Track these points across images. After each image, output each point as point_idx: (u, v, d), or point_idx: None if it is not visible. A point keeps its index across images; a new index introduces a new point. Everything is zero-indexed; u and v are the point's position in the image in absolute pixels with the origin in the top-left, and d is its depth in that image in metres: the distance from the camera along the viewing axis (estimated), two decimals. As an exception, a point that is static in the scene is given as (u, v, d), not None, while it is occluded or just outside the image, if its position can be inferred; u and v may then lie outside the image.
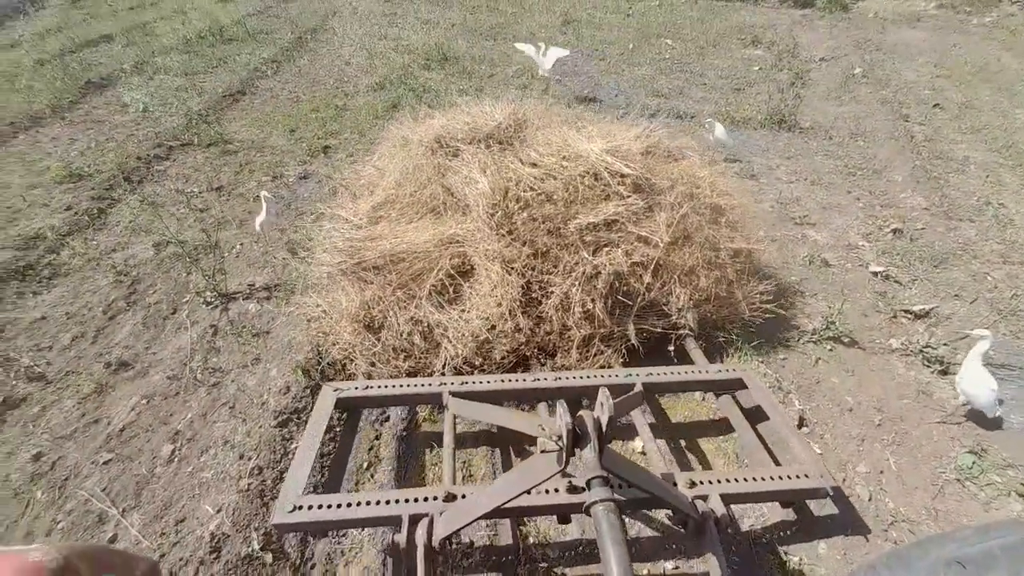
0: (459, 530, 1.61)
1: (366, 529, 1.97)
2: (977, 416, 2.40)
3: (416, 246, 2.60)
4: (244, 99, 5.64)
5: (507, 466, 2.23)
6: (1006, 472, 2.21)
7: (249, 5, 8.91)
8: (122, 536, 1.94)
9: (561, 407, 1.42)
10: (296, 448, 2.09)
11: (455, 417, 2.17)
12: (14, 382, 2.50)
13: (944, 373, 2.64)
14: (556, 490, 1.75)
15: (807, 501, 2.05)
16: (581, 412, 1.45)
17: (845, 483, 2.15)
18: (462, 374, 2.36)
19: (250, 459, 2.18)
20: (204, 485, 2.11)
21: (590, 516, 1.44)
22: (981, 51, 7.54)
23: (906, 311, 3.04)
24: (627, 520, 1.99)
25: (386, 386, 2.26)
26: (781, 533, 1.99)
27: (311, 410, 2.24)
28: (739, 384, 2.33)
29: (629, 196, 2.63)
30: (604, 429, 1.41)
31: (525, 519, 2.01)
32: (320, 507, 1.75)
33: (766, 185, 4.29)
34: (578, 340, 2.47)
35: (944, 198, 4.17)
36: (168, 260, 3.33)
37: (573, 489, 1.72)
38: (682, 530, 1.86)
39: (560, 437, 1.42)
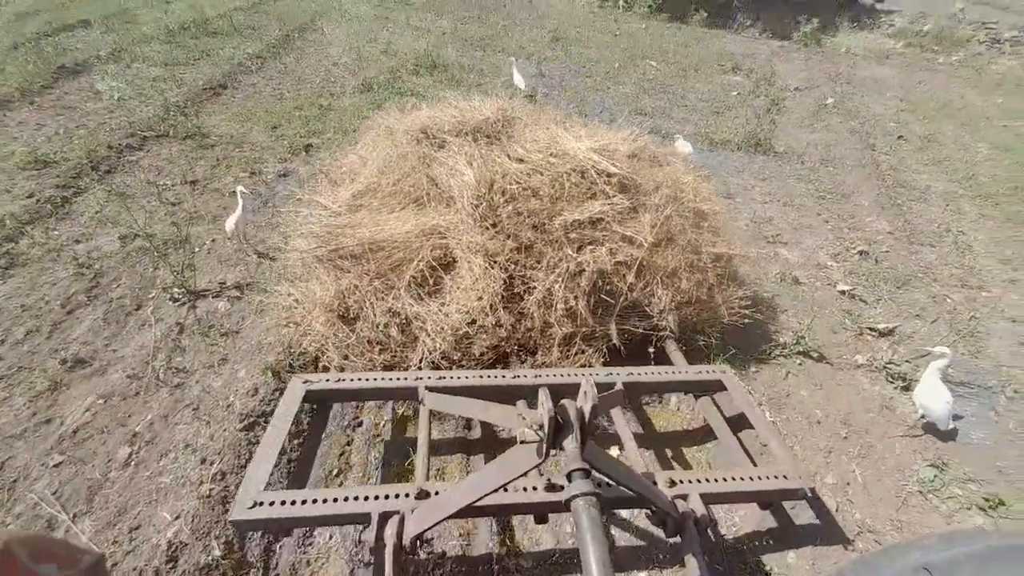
0: (431, 527, 1.54)
1: (333, 537, 1.90)
2: (934, 428, 2.50)
3: (397, 235, 2.52)
4: (226, 93, 5.52)
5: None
6: (967, 486, 2.30)
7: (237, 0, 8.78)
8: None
9: (543, 394, 1.36)
10: (259, 441, 1.97)
11: (431, 413, 2.10)
12: (-42, 376, 2.35)
13: (906, 389, 2.74)
14: (534, 488, 1.70)
15: (787, 510, 2.08)
16: (564, 401, 1.39)
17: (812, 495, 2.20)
18: (440, 369, 2.30)
19: (213, 463, 2.09)
20: (162, 490, 2.01)
21: (569, 511, 1.39)
22: (946, 88, 8.00)
23: (871, 329, 3.15)
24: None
25: (359, 379, 2.16)
26: (756, 543, 2.01)
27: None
28: (719, 386, 2.34)
29: (615, 196, 2.63)
30: (587, 419, 1.35)
31: (501, 530, 1.98)
32: (283, 503, 1.64)
33: (741, 204, 4.43)
34: (559, 338, 2.44)
35: (907, 224, 4.37)
36: (135, 254, 3.20)
37: (552, 487, 1.68)
38: (661, 530, 1.81)
39: (541, 427, 1.35)
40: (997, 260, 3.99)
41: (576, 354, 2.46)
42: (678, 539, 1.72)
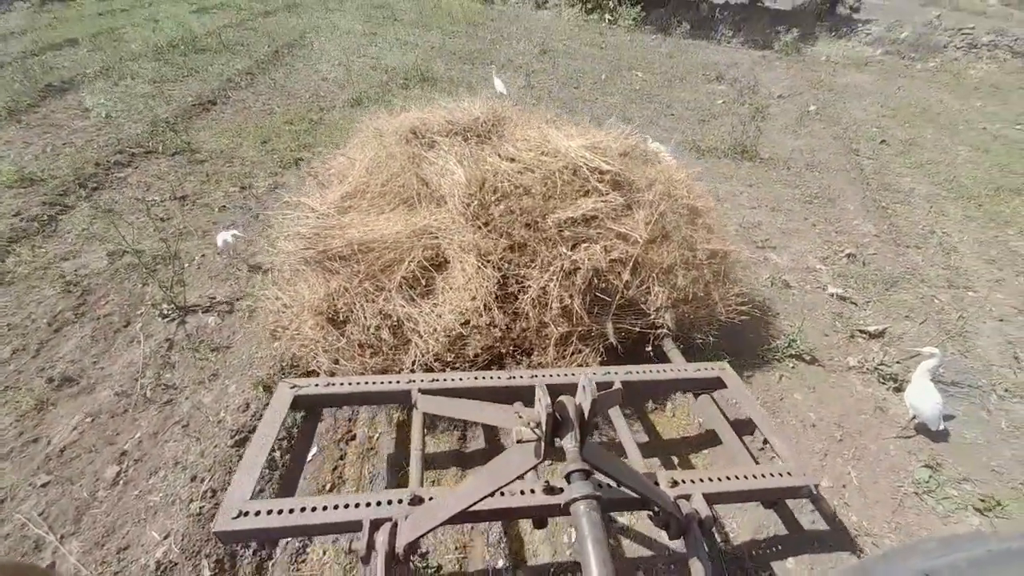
0: (425, 534, 1.47)
1: (327, 553, 1.86)
2: (926, 429, 2.51)
3: (387, 236, 2.46)
4: (215, 109, 5.52)
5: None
6: (962, 486, 2.31)
7: (225, 17, 8.83)
8: (60, 565, 1.77)
9: (541, 391, 1.29)
10: (245, 450, 1.89)
11: (424, 417, 2.05)
12: (-60, 398, 2.30)
13: (898, 390, 2.76)
14: (532, 491, 1.64)
15: (787, 510, 2.06)
16: (562, 397, 1.33)
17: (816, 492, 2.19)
18: (433, 372, 2.25)
19: (203, 481, 2.05)
20: (151, 509, 1.96)
21: (569, 515, 1.33)
22: (924, 93, 8.21)
23: (862, 331, 3.18)
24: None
25: (350, 383, 2.09)
26: (754, 551, 2.00)
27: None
28: (718, 383, 2.31)
29: (608, 193, 2.60)
30: (587, 416, 1.29)
31: (498, 542, 1.95)
32: (270, 512, 1.57)
33: (730, 210, 4.48)
34: (555, 338, 2.39)
35: (892, 226, 4.45)
36: (123, 270, 3.17)
37: (550, 490, 1.63)
38: (664, 532, 1.74)
39: (539, 424, 1.30)
40: (982, 260, 4.06)
41: (572, 354, 2.42)
42: (681, 541, 1.66)
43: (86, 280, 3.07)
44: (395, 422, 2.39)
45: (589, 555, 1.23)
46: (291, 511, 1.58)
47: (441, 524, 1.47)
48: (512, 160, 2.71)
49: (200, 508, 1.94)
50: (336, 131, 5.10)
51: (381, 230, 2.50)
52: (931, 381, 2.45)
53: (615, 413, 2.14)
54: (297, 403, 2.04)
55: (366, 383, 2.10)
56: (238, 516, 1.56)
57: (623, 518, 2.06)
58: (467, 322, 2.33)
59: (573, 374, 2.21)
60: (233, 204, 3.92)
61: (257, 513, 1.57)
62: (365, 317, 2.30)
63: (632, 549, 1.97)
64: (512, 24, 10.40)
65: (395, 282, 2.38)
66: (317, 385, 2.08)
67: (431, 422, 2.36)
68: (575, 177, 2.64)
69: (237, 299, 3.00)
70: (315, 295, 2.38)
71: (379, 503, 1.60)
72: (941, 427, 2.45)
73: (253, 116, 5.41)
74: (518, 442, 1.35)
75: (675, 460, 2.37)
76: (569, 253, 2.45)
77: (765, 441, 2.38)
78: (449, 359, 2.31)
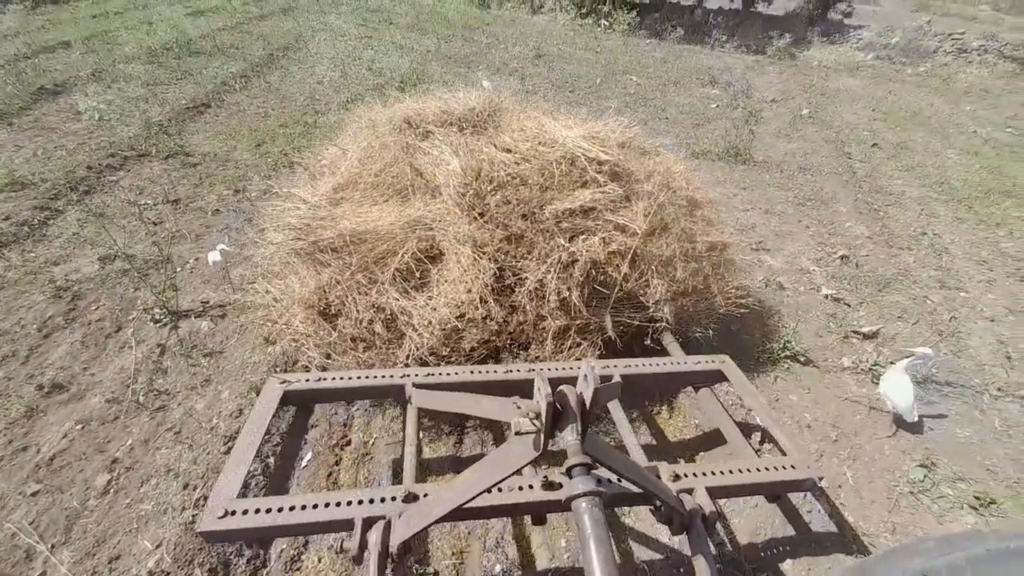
0: (419, 532, 1.43)
1: (323, 560, 1.84)
2: (902, 421, 2.54)
3: (380, 227, 2.40)
4: (209, 112, 5.50)
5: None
6: (957, 485, 2.32)
7: (220, 20, 8.81)
8: (51, 575, 1.75)
9: (540, 380, 1.24)
10: (232, 448, 1.83)
11: (419, 411, 2.01)
12: (-73, 406, 2.26)
13: (893, 391, 2.77)
14: (530, 486, 1.60)
15: (787, 512, 2.05)
16: (563, 387, 1.27)
17: (806, 499, 2.20)
18: (428, 366, 2.20)
19: (196, 488, 2.02)
20: (143, 518, 1.93)
21: (570, 511, 1.28)
22: (915, 98, 8.30)
23: (856, 332, 3.20)
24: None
25: (342, 378, 2.02)
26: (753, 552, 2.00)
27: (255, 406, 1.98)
28: (719, 376, 2.28)
29: (606, 184, 2.55)
30: (588, 406, 1.24)
31: (496, 545, 1.94)
32: (257, 511, 1.51)
33: (724, 213, 4.49)
34: (553, 331, 2.34)
35: (885, 228, 4.48)
36: (114, 275, 3.13)
37: (550, 485, 1.58)
38: (667, 527, 1.70)
39: (538, 415, 1.24)
40: (973, 261, 4.10)
41: (571, 347, 2.37)
42: (683, 538, 1.63)
43: (77, 285, 3.03)
44: (391, 426, 2.37)
45: (592, 556, 1.19)
46: (280, 510, 1.53)
47: (437, 521, 1.42)
48: (508, 151, 2.65)
49: (193, 516, 1.92)
50: (331, 134, 5.08)
51: (374, 221, 2.43)
52: (905, 372, 2.50)
53: (614, 407, 2.10)
54: (287, 399, 1.99)
55: (358, 377, 2.05)
56: (224, 515, 1.50)
57: (626, 518, 2.05)
58: (463, 315, 2.27)
59: (571, 367, 2.16)
60: (227, 207, 3.90)
61: (244, 512, 1.51)
62: (358, 310, 2.24)
63: (633, 548, 1.96)
64: (508, 28, 10.45)
65: (388, 274, 2.32)
66: (308, 380, 2.02)
67: (428, 427, 2.34)
68: (573, 167, 2.60)
69: (230, 303, 2.98)
70: (306, 288, 2.32)
71: (372, 500, 1.55)
72: (915, 417, 2.48)
73: (247, 119, 5.39)
74: (516, 434, 1.30)
75: (680, 460, 2.36)
76: (567, 245, 2.40)
77: (763, 441, 2.39)
78: (444, 353, 2.26)
